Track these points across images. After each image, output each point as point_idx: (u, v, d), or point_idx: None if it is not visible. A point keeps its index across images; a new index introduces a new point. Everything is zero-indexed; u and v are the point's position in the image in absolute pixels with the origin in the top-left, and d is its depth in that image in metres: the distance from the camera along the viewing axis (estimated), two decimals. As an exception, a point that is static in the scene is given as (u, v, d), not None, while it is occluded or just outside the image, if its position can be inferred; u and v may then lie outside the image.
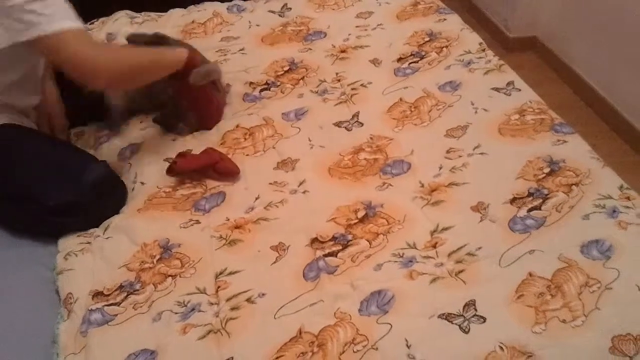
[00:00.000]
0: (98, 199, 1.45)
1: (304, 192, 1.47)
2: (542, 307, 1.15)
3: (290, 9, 2.27)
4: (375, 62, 1.94)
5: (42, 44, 1.33)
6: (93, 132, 1.77)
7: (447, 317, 1.14)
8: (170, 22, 2.24)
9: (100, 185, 1.46)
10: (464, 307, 1.16)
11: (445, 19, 2.16)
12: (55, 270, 1.36)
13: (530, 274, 1.21)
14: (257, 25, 2.19)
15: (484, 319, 1.13)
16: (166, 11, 2.32)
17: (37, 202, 1.41)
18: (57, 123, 1.70)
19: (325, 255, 1.30)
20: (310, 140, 1.64)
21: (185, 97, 1.68)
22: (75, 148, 1.64)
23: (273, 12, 2.26)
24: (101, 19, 2.27)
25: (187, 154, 1.59)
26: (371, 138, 1.62)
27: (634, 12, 2.43)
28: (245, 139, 1.66)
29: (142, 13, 2.29)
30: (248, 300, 1.22)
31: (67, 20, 1.34)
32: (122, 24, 2.22)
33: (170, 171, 1.53)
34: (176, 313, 1.21)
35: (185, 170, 1.53)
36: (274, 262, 1.30)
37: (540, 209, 1.36)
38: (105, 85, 1.50)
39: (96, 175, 1.46)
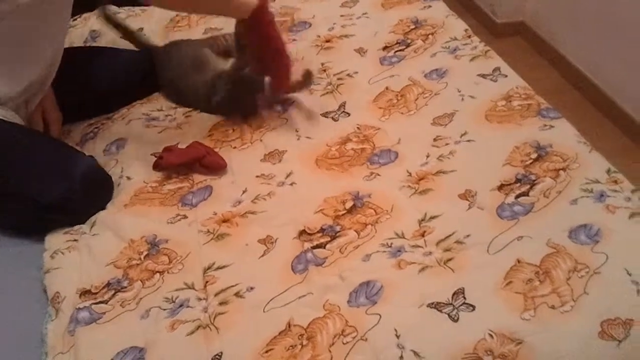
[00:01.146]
0: (87, 194, 1.44)
1: (291, 184, 1.47)
2: (531, 294, 1.15)
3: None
4: (360, 51, 1.93)
5: None
6: (79, 129, 1.76)
7: (436, 306, 1.14)
8: (155, 17, 2.22)
9: (90, 180, 1.45)
10: (453, 295, 1.16)
11: (430, 6, 2.15)
12: (43, 269, 1.35)
13: (518, 261, 1.21)
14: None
15: (473, 307, 1.13)
16: (149, 5, 2.30)
17: (27, 199, 1.40)
18: (51, 118, 1.68)
19: (314, 247, 1.29)
20: (297, 132, 1.63)
21: (258, 50, 1.62)
22: (62, 144, 1.62)
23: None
24: (84, 15, 2.25)
25: (174, 148, 1.58)
26: (358, 128, 1.62)
27: (620, -6, 2.43)
28: (233, 130, 1.65)
29: (126, 8, 2.27)
30: (236, 294, 1.21)
31: None
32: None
33: (156, 166, 1.53)
34: (164, 309, 1.20)
35: (172, 165, 1.52)
36: (262, 255, 1.29)
37: (528, 195, 1.36)
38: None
39: (85, 170, 1.46)
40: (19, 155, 1.46)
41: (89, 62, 1.81)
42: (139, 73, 1.85)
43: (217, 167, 1.52)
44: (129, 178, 1.53)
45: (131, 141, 1.65)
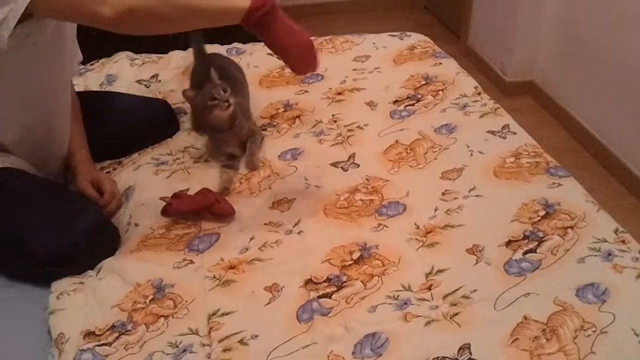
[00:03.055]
0: (90, 248, 1.42)
1: (299, 233, 1.47)
2: (537, 351, 1.13)
3: (289, 52, 2.29)
4: (371, 104, 1.96)
5: None
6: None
7: (442, 360, 1.13)
8: (171, 64, 2.27)
9: (93, 234, 1.43)
10: (459, 350, 1.14)
11: (441, 63, 2.19)
12: (48, 309, 1.34)
13: (525, 317, 1.20)
14: (256, 67, 2.22)
15: (479, 363, 1.12)
16: (166, 52, 2.35)
17: (27, 251, 1.39)
18: (106, 189, 1.62)
19: (319, 297, 1.29)
20: (306, 180, 1.64)
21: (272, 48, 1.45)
22: (68, 192, 1.60)
23: (272, 55, 2.27)
24: (101, 60, 2.30)
25: (183, 194, 1.59)
26: (367, 179, 1.63)
27: (629, 57, 2.46)
28: (240, 183, 1.67)
29: (143, 55, 2.32)
30: (240, 341, 1.20)
31: None
32: (122, 65, 2.26)
33: (164, 212, 1.53)
34: (168, 354, 1.19)
35: (181, 212, 1.53)
36: (268, 303, 1.29)
37: (535, 252, 1.36)
38: (113, 18, 1.22)
39: (88, 225, 1.43)
40: (21, 205, 1.44)
41: (105, 106, 1.84)
42: (153, 120, 1.88)
43: (225, 215, 1.53)
44: (136, 225, 1.53)
45: (140, 187, 1.65)
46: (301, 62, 1.45)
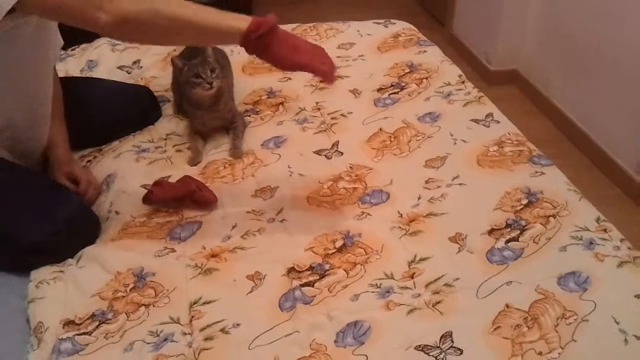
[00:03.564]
0: (72, 236, 1.41)
1: (281, 221, 1.46)
2: (519, 339, 1.14)
3: (272, 39, 2.28)
4: (355, 92, 1.95)
5: None
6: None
7: (424, 348, 1.13)
8: (153, 50, 2.23)
9: (74, 223, 1.42)
10: (441, 338, 1.15)
11: (425, 51, 2.19)
12: (27, 298, 1.33)
13: (507, 306, 1.20)
14: (239, 54, 2.19)
15: (461, 351, 1.12)
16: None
17: (8, 239, 1.37)
18: (82, 180, 1.60)
19: (302, 285, 1.28)
20: (289, 168, 1.63)
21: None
22: (48, 181, 1.56)
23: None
24: (82, 46, 2.27)
25: (164, 182, 1.57)
26: (351, 167, 1.62)
27: (612, 46, 2.47)
28: (224, 167, 1.65)
29: (124, 40, 2.29)
30: (222, 330, 1.19)
31: None
32: (103, 50, 2.23)
33: (146, 199, 1.52)
34: (148, 343, 1.18)
35: (162, 200, 1.51)
36: (250, 292, 1.28)
37: (517, 241, 1.36)
38: (107, 24, 1.21)
39: (70, 213, 1.42)
40: (1, 195, 1.41)
41: (86, 92, 1.81)
42: (135, 106, 1.85)
43: (207, 203, 1.51)
44: (117, 213, 1.52)
45: (120, 175, 1.63)
46: (322, 73, 1.39)
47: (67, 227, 1.39)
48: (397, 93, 1.94)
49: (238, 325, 1.21)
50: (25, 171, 1.55)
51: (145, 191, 1.53)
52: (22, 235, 1.36)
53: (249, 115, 1.86)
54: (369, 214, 1.47)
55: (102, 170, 1.68)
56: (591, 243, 1.34)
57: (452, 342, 1.14)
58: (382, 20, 2.43)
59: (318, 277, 1.30)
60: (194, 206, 1.51)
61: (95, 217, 1.51)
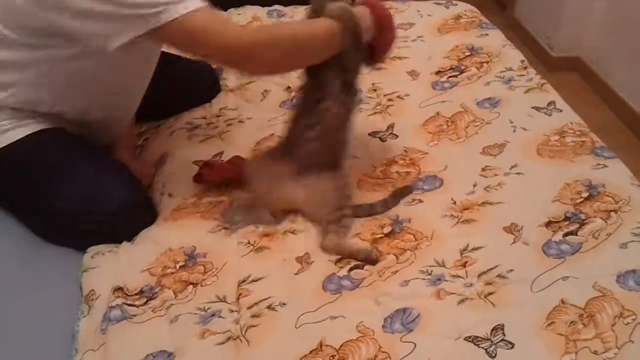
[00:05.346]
0: (127, 221, 1.42)
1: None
2: (573, 336, 1.10)
3: (331, 17, 2.25)
4: (412, 74, 1.92)
5: (174, 32, 1.22)
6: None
7: (474, 340, 1.11)
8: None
9: (130, 208, 1.42)
10: (492, 331, 1.12)
11: (487, 34, 2.13)
12: (81, 268, 1.35)
13: (562, 301, 1.16)
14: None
15: (512, 345, 1.09)
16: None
17: (66, 221, 1.39)
18: (145, 173, 1.61)
19: (351, 269, 1.27)
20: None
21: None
22: (110, 164, 1.53)
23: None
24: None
25: (214, 163, 1.57)
26: (405, 151, 1.60)
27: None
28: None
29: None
30: (269, 307, 1.19)
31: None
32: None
33: (196, 179, 1.52)
34: (195, 314, 1.19)
35: (211, 182, 1.51)
36: (297, 273, 1.28)
37: (576, 234, 1.31)
38: (266, 70, 1.36)
39: (127, 198, 1.42)
40: (61, 175, 1.41)
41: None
42: (195, 83, 1.86)
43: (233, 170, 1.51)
44: (170, 195, 1.52)
45: (173, 155, 1.64)
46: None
47: (123, 211, 1.39)
48: (456, 76, 1.89)
49: (284, 304, 1.20)
50: (85, 149, 1.53)
51: (197, 168, 1.54)
52: (76, 219, 1.38)
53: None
54: (420, 200, 1.45)
55: (156, 149, 1.70)
56: (654, 241, 1.28)
57: (504, 335, 1.11)
58: (444, 1, 2.37)
59: (368, 261, 1.28)
60: (243, 187, 1.50)
61: (150, 204, 1.51)
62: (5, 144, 1.40)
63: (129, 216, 1.42)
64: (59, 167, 1.42)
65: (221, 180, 1.51)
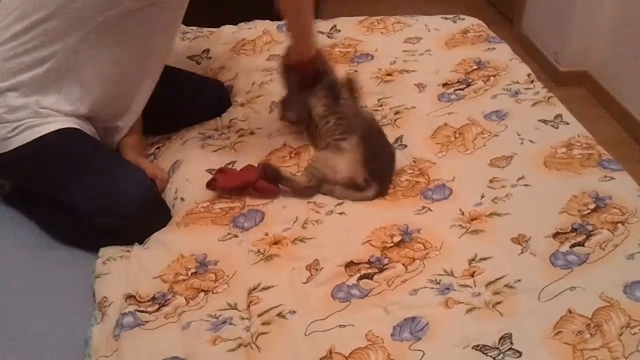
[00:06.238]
0: (142, 221, 1.45)
1: (340, 214, 1.46)
2: (580, 346, 1.11)
3: (339, 30, 2.28)
4: (420, 86, 1.93)
5: None
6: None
7: (482, 348, 1.12)
8: (221, 39, 2.27)
9: (145, 208, 1.45)
10: (500, 340, 1.13)
11: (494, 48, 2.15)
12: (93, 274, 1.37)
13: (569, 311, 1.18)
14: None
15: (520, 353, 1.10)
16: (218, 25, 2.35)
17: (82, 218, 1.43)
18: (161, 177, 1.63)
19: (360, 278, 1.28)
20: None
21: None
22: (126, 164, 1.59)
23: (322, 32, 2.27)
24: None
25: (228, 170, 1.59)
26: (414, 161, 1.61)
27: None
28: (290, 157, 1.66)
29: (194, 28, 2.33)
30: (279, 315, 1.21)
31: None
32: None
33: (209, 185, 1.54)
34: (207, 321, 1.21)
35: (225, 188, 1.53)
36: (306, 282, 1.29)
37: (583, 246, 1.33)
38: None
39: (143, 198, 1.46)
40: (82, 171, 1.47)
41: (160, 81, 1.84)
42: (207, 99, 1.89)
43: (269, 192, 1.52)
44: (182, 199, 1.54)
45: (186, 162, 1.66)
46: None
47: (138, 210, 1.42)
48: (462, 89, 1.91)
49: (294, 312, 1.22)
50: (102, 148, 1.59)
51: (210, 176, 1.55)
52: (93, 214, 1.41)
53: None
54: (430, 209, 1.47)
55: (169, 156, 1.71)
56: (661, 252, 1.29)
57: (512, 343, 1.12)
58: (451, 16, 2.40)
59: (377, 271, 1.30)
60: (256, 195, 1.52)
61: (164, 204, 1.54)
62: (28, 140, 1.45)
63: (145, 215, 1.45)
64: (79, 164, 1.48)
65: (234, 187, 1.53)
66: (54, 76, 1.48)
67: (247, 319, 1.21)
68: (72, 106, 1.51)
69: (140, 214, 1.43)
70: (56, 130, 1.47)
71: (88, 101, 1.52)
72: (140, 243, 1.44)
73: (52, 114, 1.48)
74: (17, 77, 1.46)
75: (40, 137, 1.46)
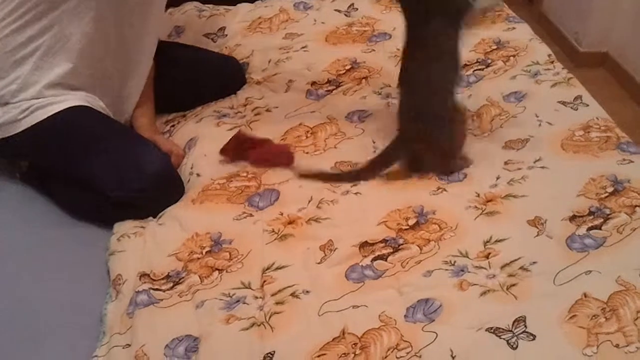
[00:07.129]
0: (157, 194, 1.46)
1: (356, 194, 1.46)
2: (595, 330, 1.10)
3: (357, 9, 2.26)
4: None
5: None
6: (158, 125, 1.80)
7: (495, 331, 1.11)
8: (238, 17, 2.26)
9: (161, 181, 1.47)
10: (514, 322, 1.12)
11: (514, 28, 2.12)
12: (108, 251, 1.38)
13: (585, 295, 1.16)
14: (323, 23, 2.19)
15: (534, 337, 1.10)
16: (234, 3, 2.34)
17: (98, 192, 1.44)
18: (176, 152, 1.65)
19: (375, 259, 1.28)
20: (373, 143, 1.62)
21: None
22: (139, 138, 1.61)
23: (339, 11, 2.25)
24: (169, 10, 2.31)
25: (241, 135, 1.60)
26: (431, 143, 1.60)
27: None
28: (307, 137, 1.66)
29: (210, 5, 2.32)
30: (293, 294, 1.21)
31: None
32: (190, 15, 2.26)
33: (223, 151, 1.56)
34: (220, 300, 1.21)
35: (239, 151, 1.55)
36: (320, 262, 1.29)
37: (600, 229, 1.31)
38: None
39: (157, 171, 1.47)
40: (96, 147, 1.49)
41: (174, 58, 1.84)
42: (221, 76, 1.89)
43: (285, 160, 1.54)
44: (198, 175, 1.55)
45: (202, 139, 1.67)
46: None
47: (153, 184, 1.44)
48: (482, 70, 1.89)
49: (308, 292, 1.22)
50: (118, 124, 1.61)
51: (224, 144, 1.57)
52: (108, 188, 1.43)
53: (332, 88, 1.86)
54: (445, 190, 1.46)
55: (184, 134, 1.72)
56: (679, 236, 1.28)
57: (526, 326, 1.11)
58: (470, -5, 2.36)
59: (392, 251, 1.29)
60: (270, 163, 1.52)
61: (179, 178, 1.55)
62: (40, 119, 1.48)
63: (161, 189, 1.47)
64: (93, 139, 1.50)
65: (249, 148, 1.54)
66: (51, 50, 1.48)
67: (260, 298, 1.22)
68: (76, 78, 1.52)
69: (156, 187, 1.44)
70: (67, 108, 1.49)
71: (86, 65, 1.53)
72: (155, 217, 1.44)
73: (59, 93, 1.50)
74: (17, 54, 1.47)
75: (51, 115, 1.48)
